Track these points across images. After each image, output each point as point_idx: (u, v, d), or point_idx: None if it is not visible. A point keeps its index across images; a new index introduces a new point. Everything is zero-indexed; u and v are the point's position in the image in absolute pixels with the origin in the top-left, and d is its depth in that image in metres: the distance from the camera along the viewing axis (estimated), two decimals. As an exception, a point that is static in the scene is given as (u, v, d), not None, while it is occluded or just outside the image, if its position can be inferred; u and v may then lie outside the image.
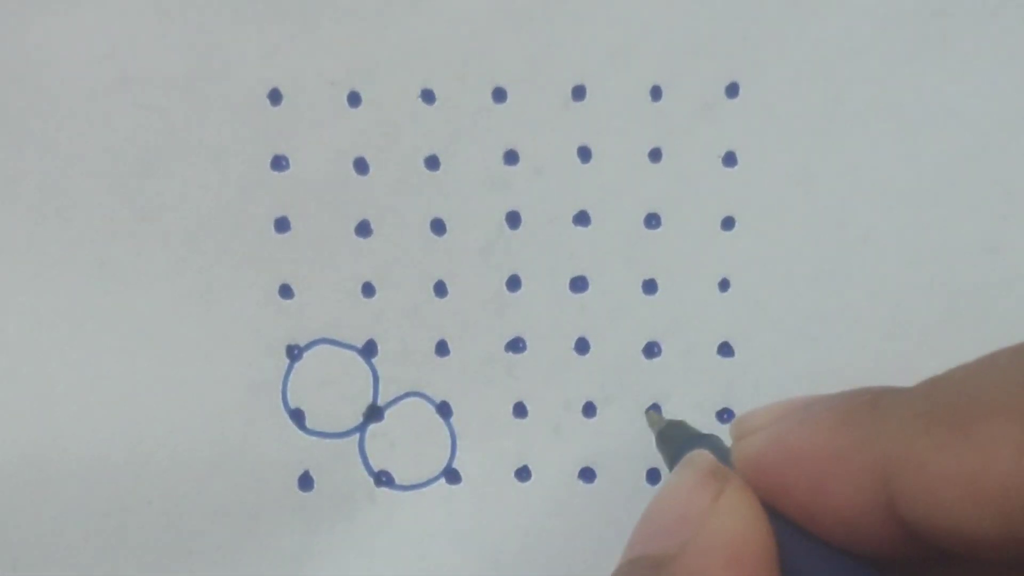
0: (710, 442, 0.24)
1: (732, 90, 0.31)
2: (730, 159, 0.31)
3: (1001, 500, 0.18)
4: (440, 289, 0.31)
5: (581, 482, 0.32)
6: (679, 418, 0.29)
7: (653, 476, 0.32)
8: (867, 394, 0.21)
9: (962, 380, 0.20)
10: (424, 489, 0.32)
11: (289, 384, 0.31)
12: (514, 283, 0.32)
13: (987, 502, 0.18)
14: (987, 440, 0.18)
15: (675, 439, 0.27)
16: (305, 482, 0.31)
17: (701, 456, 0.23)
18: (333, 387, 0.31)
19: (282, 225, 0.31)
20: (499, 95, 0.31)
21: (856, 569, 0.20)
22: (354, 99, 0.31)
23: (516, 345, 0.32)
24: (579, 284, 0.32)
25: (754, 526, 0.21)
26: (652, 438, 0.30)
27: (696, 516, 0.21)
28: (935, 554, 0.20)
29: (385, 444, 0.31)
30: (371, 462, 0.32)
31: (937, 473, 0.19)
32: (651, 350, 0.32)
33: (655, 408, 0.32)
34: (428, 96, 0.31)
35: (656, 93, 0.31)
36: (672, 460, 0.25)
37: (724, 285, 0.32)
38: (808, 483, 0.21)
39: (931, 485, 0.19)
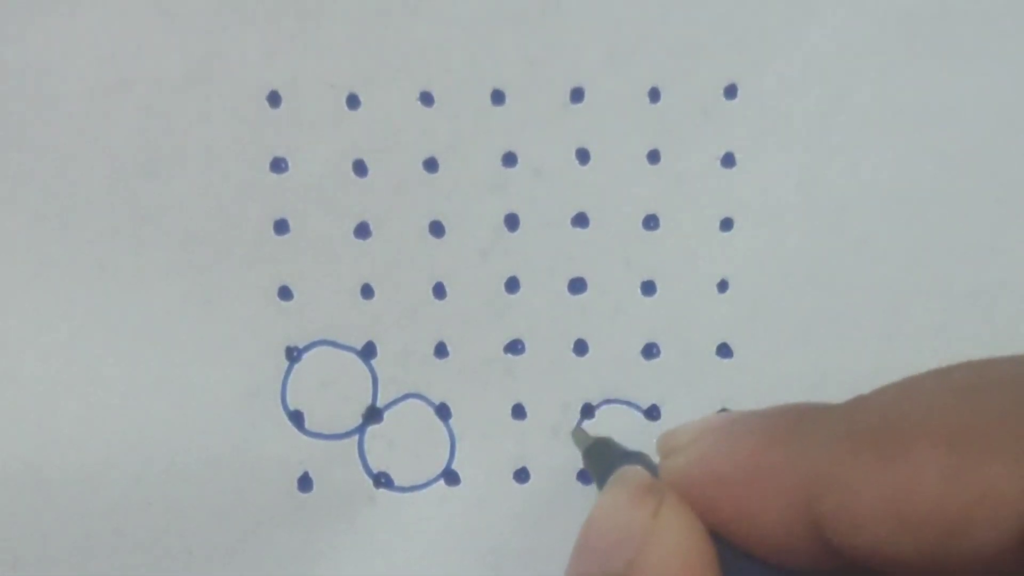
0: (639, 459, 0.24)
1: (731, 91, 0.31)
2: (729, 160, 0.31)
3: (924, 525, 0.18)
4: (439, 291, 0.31)
5: (580, 483, 0.32)
6: (607, 436, 0.29)
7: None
8: (791, 412, 0.21)
9: (889, 402, 0.20)
10: (423, 490, 0.32)
11: (288, 385, 0.31)
12: (513, 285, 0.32)
13: (910, 526, 0.18)
14: (912, 465, 0.18)
15: (603, 456, 0.27)
16: (304, 483, 0.31)
17: (633, 472, 0.23)
18: (332, 388, 0.31)
19: (281, 227, 0.31)
20: (498, 97, 0.31)
21: None
22: (353, 101, 0.31)
23: (515, 347, 0.32)
24: (578, 285, 0.32)
25: (696, 540, 0.21)
26: (652, 437, 0.30)
27: (638, 533, 0.21)
28: (859, 570, 0.20)
29: (384, 445, 0.32)
30: (370, 463, 0.32)
31: (861, 496, 0.19)
32: (650, 351, 0.32)
33: (580, 426, 0.32)
34: (427, 98, 0.31)
35: (654, 95, 0.31)
36: (601, 478, 0.25)
37: (723, 286, 0.32)
38: (733, 501, 0.21)
39: (855, 507, 0.19)
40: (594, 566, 0.21)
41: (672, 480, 0.22)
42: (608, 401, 0.32)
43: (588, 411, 0.32)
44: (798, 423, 0.20)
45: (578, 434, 0.29)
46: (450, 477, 0.32)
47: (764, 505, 0.20)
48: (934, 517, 0.18)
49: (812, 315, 0.32)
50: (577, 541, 0.22)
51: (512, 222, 0.31)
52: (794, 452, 0.20)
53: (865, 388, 0.20)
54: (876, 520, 0.19)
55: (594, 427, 0.32)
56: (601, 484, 0.24)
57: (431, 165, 0.31)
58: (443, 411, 0.32)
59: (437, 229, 0.31)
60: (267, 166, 0.31)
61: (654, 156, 0.31)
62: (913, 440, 0.18)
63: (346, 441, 0.32)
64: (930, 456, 0.18)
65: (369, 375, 0.31)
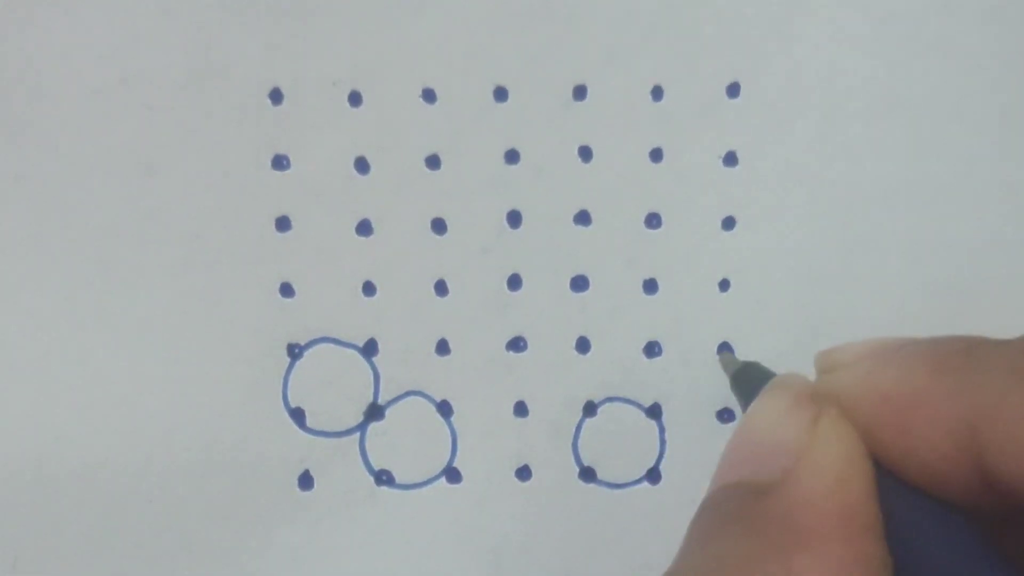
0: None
1: (733, 90, 0.31)
2: (731, 159, 0.31)
3: None
4: (441, 288, 0.31)
5: (581, 481, 0.32)
6: (750, 361, 0.28)
7: (653, 475, 0.32)
8: (962, 342, 0.20)
9: None
10: (424, 488, 0.32)
11: (290, 383, 0.31)
12: (515, 282, 0.32)
13: None
14: None
15: (751, 380, 0.26)
16: (305, 481, 0.31)
17: (793, 378, 0.22)
18: (334, 386, 0.31)
19: (283, 224, 0.31)
20: (500, 95, 0.31)
21: (946, 513, 0.20)
22: (355, 99, 0.31)
23: (517, 344, 0.32)
24: (580, 283, 0.32)
25: (857, 454, 0.20)
26: (654, 436, 0.30)
27: (795, 441, 0.20)
28: (1018, 509, 0.20)
29: (386, 443, 0.31)
30: (372, 461, 0.32)
31: None
32: (651, 349, 0.32)
33: (727, 348, 0.31)
34: (429, 95, 0.31)
35: (657, 93, 0.31)
36: (749, 401, 0.24)
37: (724, 285, 0.32)
38: (895, 425, 0.20)
39: (1018, 440, 0.19)
40: (746, 473, 0.21)
41: (832, 397, 0.21)
42: (610, 399, 0.32)
43: (590, 409, 0.32)
44: (969, 353, 0.20)
45: (726, 357, 0.29)
46: (451, 475, 0.32)
47: (927, 432, 0.20)
48: None
49: (813, 314, 0.32)
50: (728, 446, 0.22)
51: (514, 219, 0.31)
52: (963, 381, 0.20)
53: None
54: None
55: (596, 424, 0.32)
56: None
57: (433, 162, 0.31)
58: (445, 408, 0.32)
59: (439, 226, 0.31)
60: (269, 163, 0.31)
61: (656, 154, 0.31)
62: None
63: (347, 438, 0.31)
64: None
65: (370, 372, 0.31)
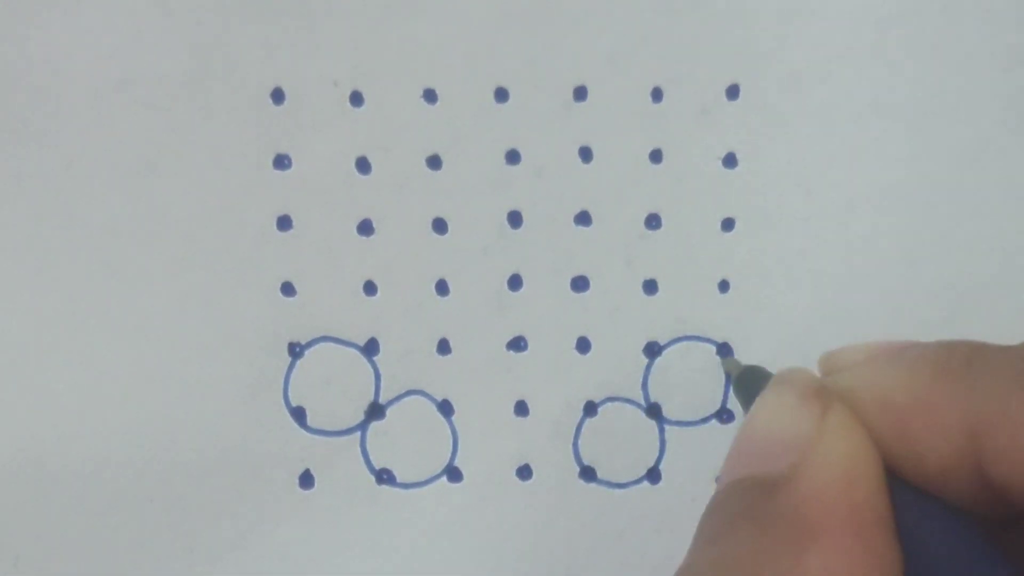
0: None
1: (732, 92, 0.31)
2: (730, 160, 0.32)
3: None
4: (442, 288, 0.32)
5: (581, 481, 0.32)
6: (752, 364, 0.28)
7: (653, 475, 0.32)
8: (964, 348, 0.20)
9: None
10: (425, 487, 0.32)
11: (291, 382, 0.31)
12: (515, 282, 0.32)
13: None
14: None
15: (754, 383, 0.26)
16: (306, 480, 0.31)
17: (799, 373, 0.22)
18: (335, 385, 0.31)
19: (284, 224, 0.31)
20: (501, 95, 0.31)
21: (952, 513, 0.20)
22: (356, 99, 0.31)
23: (517, 344, 0.32)
24: (580, 284, 0.32)
25: (865, 448, 0.20)
26: (654, 436, 0.30)
27: (803, 435, 0.20)
28: (1014, 513, 0.20)
29: (386, 442, 0.32)
30: (372, 460, 0.32)
31: None
32: (651, 349, 0.32)
33: (727, 349, 0.31)
34: (430, 96, 0.31)
35: (657, 95, 0.31)
36: (750, 404, 0.24)
37: (724, 286, 0.32)
38: (897, 429, 0.20)
39: (1019, 445, 0.19)
40: (754, 468, 0.21)
41: (838, 395, 0.21)
42: (610, 399, 0.32)
43: (590, 409, 0.32)
44: (971, 359, 0.20)
45: (728, 361, 0.29)
46: (452, 474, 0.32)
47: (929, 437, 0.20)
48: None
49: (813, 314, 0.32)
50: (735, 441, 0.22)
51: (515, 220, 0.32)
52: (966, 387, 0.20)
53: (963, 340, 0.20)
54: None
55: (596, 424, 0.32)
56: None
57: (434, 163, 0.31)
58: (445, 408, 0.32)
59: (440, 226, 0.31)
60: (270, 163, 0.31)
61: (656, 155, 0.32)
62: None
63: (348, 438, 0.31)
64: None
65: (371, 372, 0.31)
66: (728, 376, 0.31)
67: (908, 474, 0.20)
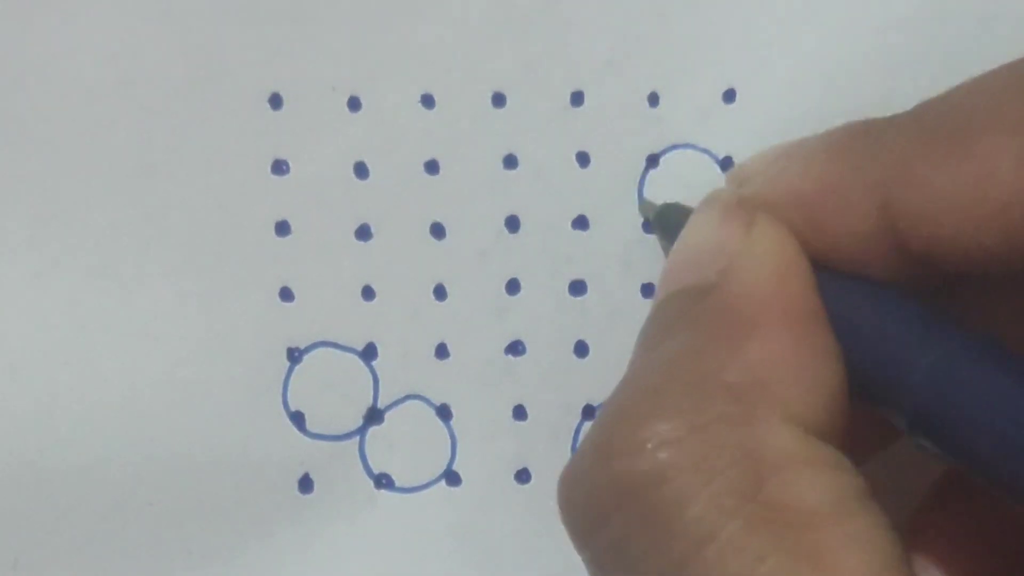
0: None
1: (729, 96, 0.32)
2: (727, 164, 0.32)
3: (1001, 212, 0.18)
4: (440, 292, 0.32)
5: (580, 484, 0.32)
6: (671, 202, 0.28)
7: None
8: (858, 124, 0.20)
9: (958, 98, 0.19)
10: (424, 491, 0.32)
11: (289, 386, 0.31)
12: (514, 286, 0.32)
13: (988, 215, 0.18)
14: (986, 153, 0.18)
15: (675, 219, 0.25)
16: (305, 484, 0.31)
17: (722, 191, 0.22)
18: (333, 390, 0.31)
19: (282, 228, 0.31)
20: (498, 100, 0.31)
21: (880, 290, 0.20)
22: (354, 104, 0.31)
23: (516, 348, 0.32)
24: (578, 288, 0.32)
25: (791, 248, 0.20)
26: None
27: (733, 244, 0.20)
28: (938, 277, 0.20)
29: (385, 446, 0.32)
30: (371, 464, 0.32)
31: (937, 190, 0.18)
32: (649, 353, 0.32)
33: (644, 198, 0.31)
34: (428, 101, 0.31)
35: (653, 99, 0.32)
36: (672, 240, 0.24)
37: (722, 289, 0.32)
38: (809, 218, 0.20)
39: (931, 203, 0.18)
40: (685, 279, 0.21)
41: (759, 202, 0.21)
42: (608, 403, 0.32)
43: (589, 413, 0.32)
44: (867, 132, 0.20)
45: (645, 204, 0.28)
46: (451, 478, 0.32)
47: (840, 217, 0.20)
48: (1011, 204, 0.18)
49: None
50: (668, 260, 0.22)
51: (513, 224, 0.32)
52: (865, 158, 0.20)
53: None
54: (952, 213, 0.18)
55: (594, 428, 0.32)
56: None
57: (432, 167, 0.31)
58: (444, 412, 0.32)
59: (438, 231, 0.32)
60: (268, 168, 0.31)
61: (653, 160, 0.32)
62: (985, 129, 0.18)
63: (347, 442, 0.32)
64: (1004, 143, 0.18)
65: (370, 376, 0.32)
66: (645, 217, 0.31)
67: (832, 262, 0.20)
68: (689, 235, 0.22)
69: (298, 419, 0.31)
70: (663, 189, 0.31)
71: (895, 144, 0.19)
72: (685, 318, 0.20)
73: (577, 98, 0.31)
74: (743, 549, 0.17)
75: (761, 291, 0.19)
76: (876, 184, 0.19)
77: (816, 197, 0.20)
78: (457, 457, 0.32)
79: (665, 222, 0.26)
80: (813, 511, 0.17)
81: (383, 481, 0.32)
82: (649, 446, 0.18)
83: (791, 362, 0.19)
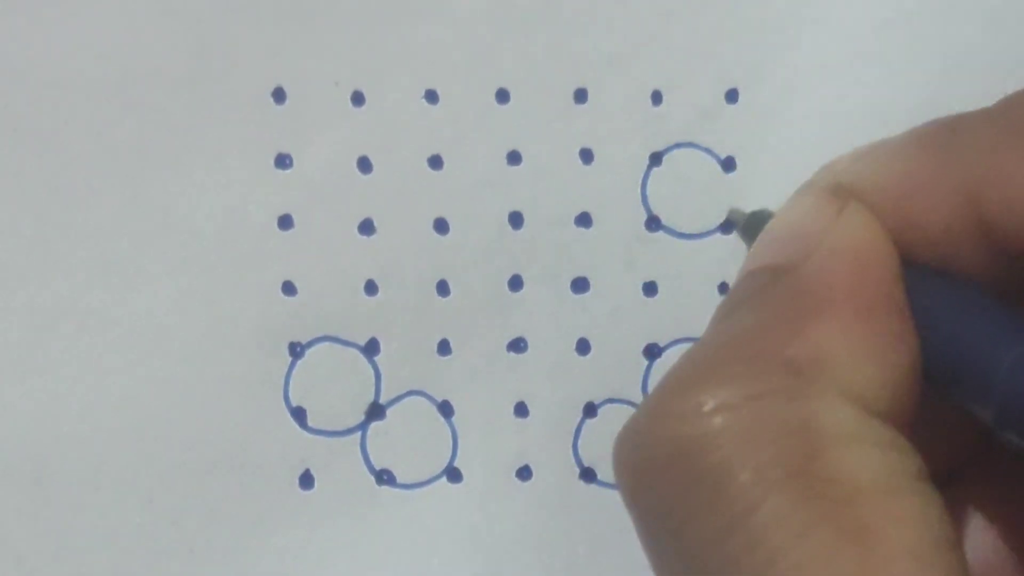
0: None
1: (732, 96, 0.32)
2: (729, 164, 0.32)
3: None
4: (442, 288, 0.32)
5: (582, 482, 0.32)
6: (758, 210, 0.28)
7: (653, 477, 0.32)
8: (944, 120, 0.21)
9: None
10: (425, 488, 0.32)
11: (291, 382, 0.31)
12: (516, 283, 0.32)
13: None
14: None
15: (762, 225, 0.26)
16: (306, 480, 0.31)
17: (818, 177, 0.23)
18: (335, 385, 0.31)
19: (285, 223, 0.31)
20: (502, 96, 0.31)
21: (965, 285, 0.20)
22: (358, 99, 0.31)
23: (518, 345, 0.32)
24: (580, 285, 0.32)
25: (878, 237, 0.20)
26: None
27: (819, 229, 0.20)
28: None
29: (387, 443, 0.31)
30: (372, 460, 0.32)
31: None
32: (651, 351, 0.32)
33: (734, 207, 0.31)
34: (432, 96, 0.31)
35: (656, 98, 0.32)
36: None
37: (724, 289, 0.32)
38: (898, 212, 0.20)
39: (1019, 197, 0.18)
40: (768, 258, 0.21)
41: (853, 192, 0.21)
42: (610, 400, 0.32)
43: (590, 410, 0.32)
44: (954, 128, 0.20)
45: (734, 212, 0.28)
46: (452, 474, 0.32)
47: (930, 211, 0.20)
48: None
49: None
50: (757, 240, 0.22)
51: (516, 220, 0.32)
52: (951, 154, 0.20)
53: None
54: None
55: (596, 425, 0.32)
56: None
57: (435, 163, 0.31)
58: (446, 408, 0.32)
59: (441, 226, 0.31)
60: (272, 162, 0.31)
61: (656, 158, 0.32)
62: None
63: (348, 438, 0.31)
64: None
65: (372, 372, 0.31)
66: (735, 224, 0.31)
67: (922, 259, 0.20)
68: (780, 217, 0.22)
69: (299, 414, 0.31)
70: (666, 188, 0.32)
71: (983, 138, 0.20)
72: (759, 295, 0.20)
73: (581, 95, 0.32)
74: (787, 521, 0.17)
75: (838, 275, 0.19)
76: (964, 178, 0.19)
77: (905, 191, 0.20)
78: (458, 453, 0.32)
79: (754, 229, 0.26)
80: (862, 488, 0.17)
81: (384, 477, 0.32)
82: (704, 410, 0.18)
83: (857, 344, 0.19)
